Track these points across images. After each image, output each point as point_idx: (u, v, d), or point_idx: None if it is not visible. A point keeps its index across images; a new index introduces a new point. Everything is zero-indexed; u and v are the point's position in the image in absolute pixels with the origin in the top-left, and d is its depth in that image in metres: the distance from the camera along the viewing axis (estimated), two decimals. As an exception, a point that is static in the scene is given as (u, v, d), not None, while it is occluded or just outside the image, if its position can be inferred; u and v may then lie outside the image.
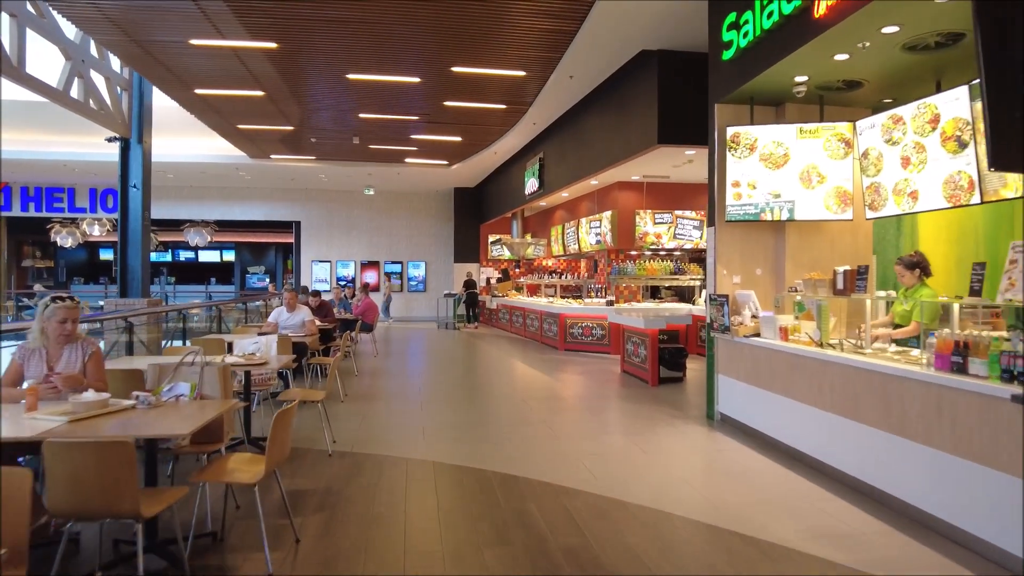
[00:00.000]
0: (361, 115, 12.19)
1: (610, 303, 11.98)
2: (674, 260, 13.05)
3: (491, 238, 20.40)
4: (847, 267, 5.33)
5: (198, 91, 10.96)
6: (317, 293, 9.69)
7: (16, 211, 20.68)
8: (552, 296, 16.02)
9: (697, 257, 14.86)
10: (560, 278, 15.97)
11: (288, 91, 10.88)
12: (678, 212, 13.40)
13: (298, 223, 21.65)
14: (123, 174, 12.46)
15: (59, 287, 28.03)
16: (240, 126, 13.21)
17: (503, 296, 17.76)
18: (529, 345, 13.65)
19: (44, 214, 20.78)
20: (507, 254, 19.83)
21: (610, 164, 10.19)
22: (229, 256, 31.21)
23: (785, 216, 6.23)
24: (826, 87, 6.04)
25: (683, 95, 8.47)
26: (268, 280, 28.79)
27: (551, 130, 12.78)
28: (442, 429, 6.43)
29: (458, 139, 14.03)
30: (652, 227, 13.25)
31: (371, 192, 20.32)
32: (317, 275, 21.50)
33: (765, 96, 6.32)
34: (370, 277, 21.75)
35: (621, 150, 9.71)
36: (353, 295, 14.32)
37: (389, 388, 8.72)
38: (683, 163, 11.13)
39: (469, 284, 18.94)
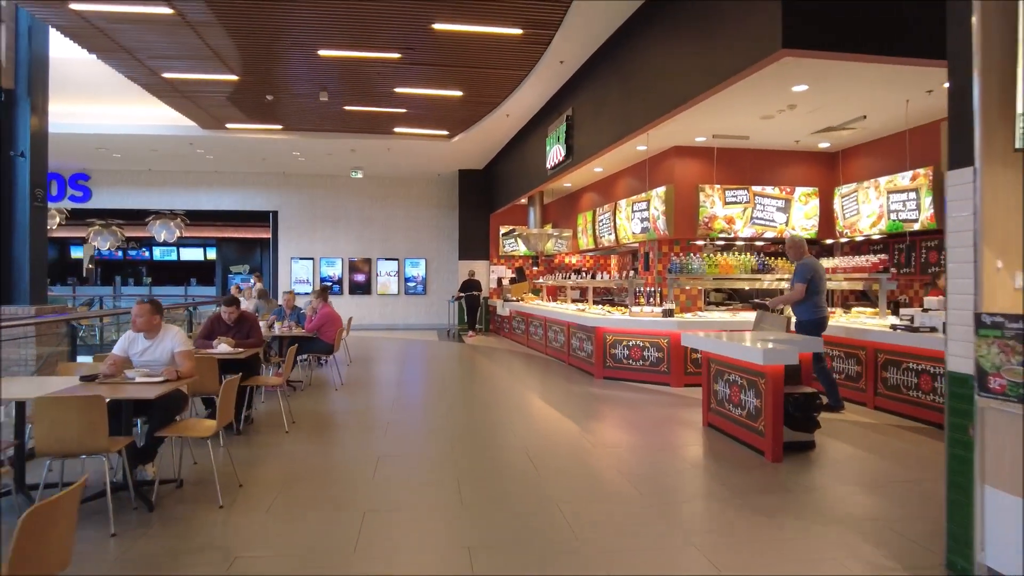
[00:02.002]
0: (322, 52, 8.78)
1: (668, 313, 8.48)
2: (756, 253, 9.49)
3: (503, 230, 16.93)
4: None
5: (80, 6, 7.59)
6: (234, 301, 6.31)
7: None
8: (581, 301, 12.53)
9: (778, 251, 11.29)
10: (590, 278, 12.52)
11: (211, 13, 7.51)
12: (756, 188, 9.85)
13: (275, 213, 18.32)
14: (2, 137, 9.23)
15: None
16: (166, 75, 9.85)
17: (517, 300, 14.28)
18: (552, 368, 10.17)
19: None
20: (522, 249, 16.38)
21: (679, 105, 6.66)
22: (213, 254, 28.05)
23: None
24: None
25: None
26: (254, 281, 25.57)
27: (584, 74, 9.30)
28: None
29: (458, 93, 10.58)
30: (721, 209, 9.71)
31: (359, 175, 16.93)
32: (297, 275, 18.16)
33: None
34: (357, 278, 18.37)
35: (700, 78, 6.19)
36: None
37: (331, 457, 5.27)
38: (815, 101, 7.63)
39: (470, 284, 15.46)
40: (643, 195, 10.30)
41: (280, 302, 8.96)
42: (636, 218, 10.53)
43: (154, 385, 4.17)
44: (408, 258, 18.43)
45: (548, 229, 14.33)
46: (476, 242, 17.15)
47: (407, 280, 18.43)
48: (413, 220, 18.47)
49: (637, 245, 11.10)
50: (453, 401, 7.65)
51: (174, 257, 28.93)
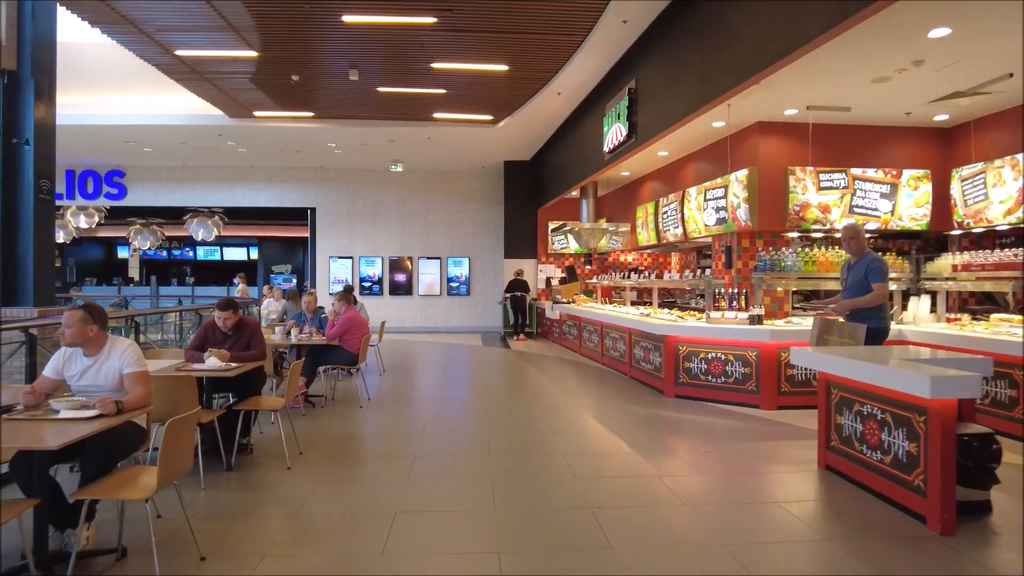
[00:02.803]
0: (346, 18, 7.63)
1: (756, 320, 7.01)
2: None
3: (551, 225, 15.57)
4: None
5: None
6: (230, 304, 5.17)
7: (-17, 198, 17.14)
8: (642, 304, 11.10)
9: (881, 246, 9.66)
10: (654, 277, 11.08)
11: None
12: (855, 171, 8.26)
13: (312, 210, 17.42)
14: (5, 123, 8.41)
15: (67, 289, 24.94)
16: (180, 52, 8.88)
17: (568, 302, 12.93)
18: (610, 381, 8.79)
19: (15, 202, 17.19)
20: (573, 246, 15.01)
21: (780, 58, 5.21)
22: (256, 253, 27.57)
23: None
24: None
25: None
26: (295, 280, 24.92)
27: (651, 36, 7.91)
28: None
29: (503, 68, 9.31)
30: (815, 195, 8.16)
31: (399, 168, 15.87)
32: (336, 275, 17.22)
33: None
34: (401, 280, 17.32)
35: (813, 20, 4.75)
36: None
37: (335, 509, 4.04)
38: (953, 52, 6.12)
39: (517, 285, 14.18)
40: (719, 180, 8.81)
41: (303, 304, 7.84)
42: (710, 208, 9.06)
43: (83, 422, 3.02)
44: (451, 257, 17.27)
45: (602, 224, 12.94)
46: (523, 239, 15.86)
47: (450, 280, 17.27)
48: (456, 216, 17.30)
49: (711, 239, 9.63)
50: (495, 425, 6.38)
51: (217, 257, 28.60)
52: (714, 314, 7.43)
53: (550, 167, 13.99)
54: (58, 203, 17.48)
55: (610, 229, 12.77)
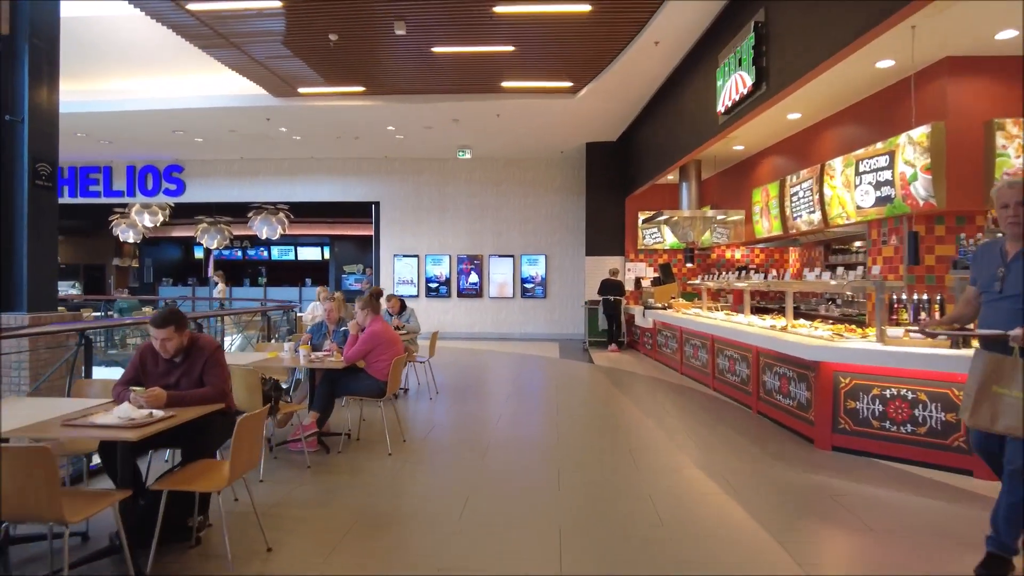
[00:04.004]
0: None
1: (962, 342, 4.65)
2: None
3: (642, 217, 13.34)
4: None
5: None
6: (172, 318, 3.42)
7: (50, 197, 16.72)
8: (767, 312, 8.76)
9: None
10: (766, 278, 8.72)
11: None
12: (1098, 123, 5.68)
13: (376, 204, 15.96)
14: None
15: (144, 291, 24.88)
16: (191, 7, 7.37)
17: (663, 308, 10.73)
18: (728, 416, 6.57)
19: (80, 199, 16.74)
20: (669, 240, 12.75)
21: None
22: (329, 253, 26.71)
23: None
24: None
25: None
26: (368, 282, 23.77)
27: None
28: None
29: (584, 8, 7.27)
30: (1033, 158, 5.67)
31: (467, 155, 14.11)
32: (401, 275, 15.69)
33: None
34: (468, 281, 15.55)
35: None
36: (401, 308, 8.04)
37: None
38: None
39: (610, 286, 12.06)
40: (880, 146, 6.41)
41: (327, 311, 6.06)
42: (865, 183, 6.66)
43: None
44: (525, 254, 15.34)
45: (706, 212, 10.63)
46: (608, 233, 13.71)
47: (524, 281, 15.35)
48: (531, 209, 15.36)
49: (866, 226, 7.23)
50: (566, 497, 4.36)
51: (291, 256, 27.97)
52: (892, 331, 5.10)
53: (642, 145, 11.80)
54: (121, 201, 16.86)
55: (718, 218, 10.45)
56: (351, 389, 5.25)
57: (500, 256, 15.39)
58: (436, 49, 8.59)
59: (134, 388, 3.24)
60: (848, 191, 6.96)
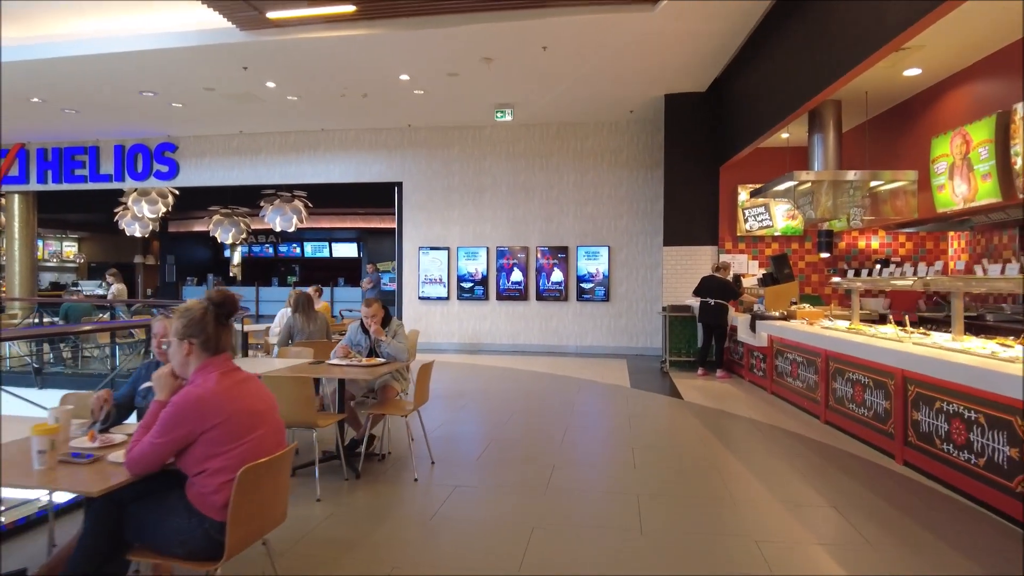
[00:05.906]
0: None
1: None
2: None
3: (743, 192, 9.84)
4: None
5: None
6: None
7: (33, 184, 14.52)
8: (927, 326, 5.23)
9: None
10: (926, 273, 5.23)
11: None
12: None
13: (398, 185, 12.99)
14: None
15: (166, 291, 22.81)
16: None
17: (781, 317, 7.28)
18: (919, 509, 3.16)
19: (65, 186, 14.42)
20: (781, 225, 9.24)
21: None
22: (361, 249, 24.04)
23: None
24: None
25: None
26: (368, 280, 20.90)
27: None
28: None
29: None
30: None
31: (507, 116, 10.94)
32: (428, 271, 12.67)
33: None
34: (505, 278, 12.35)
35: None
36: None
37: None
38: None
39: (713, 286, 8.61)
40: None
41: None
42: None
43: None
44: (582, 246, 12.05)
45: (852, 176, 7.07)
46: (693, 215, 10.26)
47: (580, 279, 12.06)
48: (590, 188, 12.05)
49: None
50: None
51: (326, 253, 25.48)
52: None
53: (749, 89, 8.33)
54: (109, 186, 14.41)
55: (879, 182, 6.89)
56: (145, 536, 2.14)
57: (550, 248, 12.13)
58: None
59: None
60: None
